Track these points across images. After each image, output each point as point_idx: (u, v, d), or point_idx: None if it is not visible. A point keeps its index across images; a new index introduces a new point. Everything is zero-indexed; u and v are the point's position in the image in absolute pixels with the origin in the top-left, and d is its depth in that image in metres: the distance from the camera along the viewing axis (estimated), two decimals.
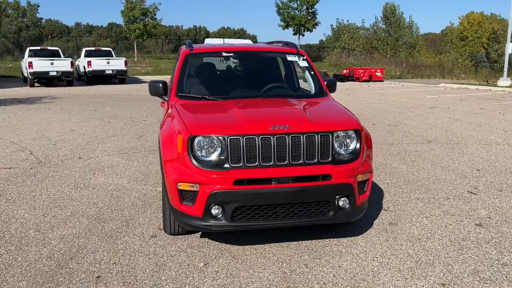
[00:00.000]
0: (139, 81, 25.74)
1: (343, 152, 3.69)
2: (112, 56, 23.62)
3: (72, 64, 21.36)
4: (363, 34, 46.32)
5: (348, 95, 18.14)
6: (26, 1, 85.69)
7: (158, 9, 31.66)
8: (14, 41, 76.48)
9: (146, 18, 31.56)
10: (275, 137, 3.44)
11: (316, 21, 32.96)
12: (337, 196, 3.59)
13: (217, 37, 51.71)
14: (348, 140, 3.72)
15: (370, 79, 27.40)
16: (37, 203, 4.98)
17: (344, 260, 3.64)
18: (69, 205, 4.93)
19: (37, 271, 3.44)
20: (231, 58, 5.09)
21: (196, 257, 3.68)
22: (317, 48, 45.28)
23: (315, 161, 3.53)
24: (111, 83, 23.45)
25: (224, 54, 4.93)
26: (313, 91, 4.84)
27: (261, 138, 3.42)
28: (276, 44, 6.14)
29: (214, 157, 3.46)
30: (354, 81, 27.58)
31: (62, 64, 20.97)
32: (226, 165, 3.41)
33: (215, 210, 3.43)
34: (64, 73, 21.05)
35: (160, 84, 4.55)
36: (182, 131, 3.53)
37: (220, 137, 3.43)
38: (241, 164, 3.41)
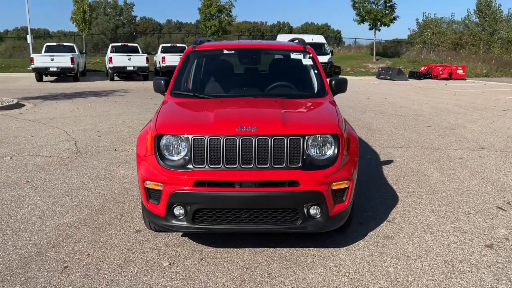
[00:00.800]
0: None
1: (317, 158, 3.45)
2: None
3: (147, 59, 22.48)
4: (454, 28, 43.28)
5: (417, 94, 17.12)
6: (122, 0, 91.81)
7: (234, 6, 32.25)
8: (111, 38, 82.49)
9: (222, 15, 32.27)
10: (240, 138, 3.31)
11: (394, 15, 31.35)
12: (305, 204, 3.37)
13: (300, 33, 51.22)
14: (324, 145, 3.48)
15: (450, 77, 25.56)
16: (54, 191, 5.30)
17: (312, 272, 3.42)
18: (80, 195, 5.18)
19: (17, 256, 3.65)
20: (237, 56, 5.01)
21: (166, 256, 3.68)
22: (397, 43, 43.06)
23: (283, 165, 3.34)
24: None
25: (225, 51, 4.85)
26: (314, 91, 4.60)
27: (226, 139, 3.31)
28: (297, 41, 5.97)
29: (179, 157, 3.42)
30: (431, 78, 25.92)
31: (139, 60, 22.18)
32: (190, 166, 3.36)
33: (177, 211, 3.40)
34: (140, 68, 22.25)
35: (162, 82, 4.59)
36: (152, 129, 3.55)
37: (185, 137, 3.38)
38: (204, 166, 3.34)
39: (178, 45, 25.90)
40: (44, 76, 22.37)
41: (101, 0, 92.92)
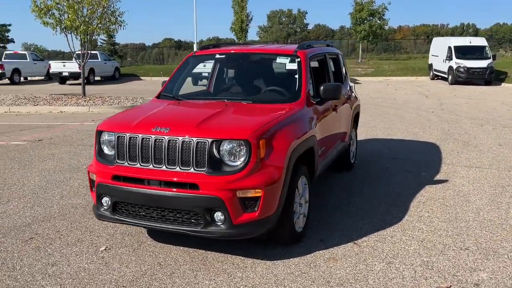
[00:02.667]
0: (354, 82, 25.86)
1: (228, 163, 3.37)
2: None
3: None
4: None
5: None
6: (297, 9, 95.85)
7: (387, 9, 30.87)
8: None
9: (374, 19, 31.20)
10: (154, 138, 3.46)
11: None
12: (207, 209, 3.33)
13: (472, 36, 46.15)
14: (236, 151, 3.38)
15: None
16: None
17: (212, 279, 3.37)
18: None
19: None
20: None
21: (104, 239, 4.03)
22: None
23: (189, 168, 3.37)
24: None
25: (217, 56, 4.95)
26: (287, 96, 4.40)
27: (142, 138, 3.50)
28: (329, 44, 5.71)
29: (110, 152, 3.73)
30: None
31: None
32: (114, 161, 3.64)
33: (105, 202, 3.71)
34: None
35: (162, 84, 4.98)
36: None
37: (113, 134, 3.67)
38: (124, 162, 3.58)
39: None
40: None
41: (277, 10, 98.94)
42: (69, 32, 15.33)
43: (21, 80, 26.94)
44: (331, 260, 3.66)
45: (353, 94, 6.18)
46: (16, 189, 5.60)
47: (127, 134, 3.56)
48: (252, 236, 3.55)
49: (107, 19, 15.43)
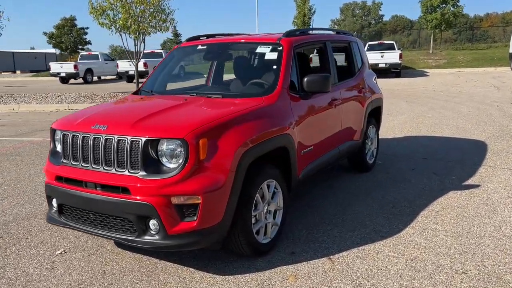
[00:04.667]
0: (421, 74, 24.23)
1: (165, 165, 3.01)
2: (394, 49, 23.12)
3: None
4: None
5: None
6: (371, 0, 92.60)
7: None
8: (357, 38, 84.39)
9: (447, 6, 28.86)
10: (93, 136, 3.20)
11: None
12: (139, 216, 3.00)
13: None
14: (174, 152, 3.00)
15: None
16: None
17: None
18: None
19: None
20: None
21: (67, 242, 3.85)
22: None
23: (124, 170, 3.06)
24: (386, 77, 23.06)
25: (200, 47, 4.56)
26: (260, 89, 3.92)
27: (82, 136, 3.25)
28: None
29: (59, 151, 3.53)
30: None
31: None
32: (60, 160, 3.43)
33: (54, 203, 3.52)
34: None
35: None
36: None
37: (59, 132, 3.46)
38: (68, 162, 3.36)
39: (386, 42, 24.64)
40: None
41: (351, 2, 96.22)
42: (123, 31, 15.78)
43: (93, 79, 28.56)
44: (291, 279, 3.17)
45: (368, 87, 5.50)
46: (22, 185, 5.66)
47: (70, 132, 3.33)
48: (194, 248, 3.16)
49: (157, 17, 15.66)
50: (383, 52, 22.02)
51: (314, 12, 31.53)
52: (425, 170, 5.78)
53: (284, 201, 3.70)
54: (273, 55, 4.04)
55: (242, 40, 4.50)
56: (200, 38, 4.85)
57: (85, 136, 3.23)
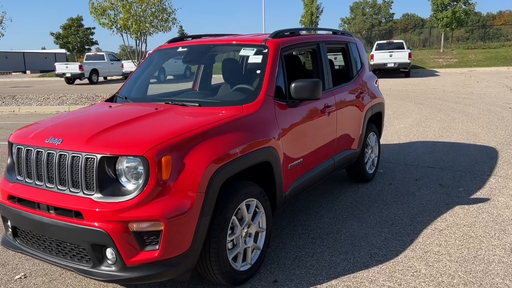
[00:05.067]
0: (431, 74, 23.62)
1: (124, 186, 2.64)
2: (403, 49, 22.55)
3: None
4: None
5: None
6: None
7: None
8: (367, 37, 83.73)
9: (458, 4, 28.14)
10: (46, 151, 2.84)
11: None
12: (93, 244, 2.63)
13: None
14: (134, 171, 2.63)
15: None
16: None
17: None
18: None
19: None
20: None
21: (31, 264, 3.50)
22: None
23: (78, 191, 2.69)
24: (395, 77, 22.52)
25: (180, 49, 4.18)
26: (241, 96, 3.53)
27: (36, 151, 2.90)
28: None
29: (14, 167, 3.17)
30: None
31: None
32: (15, 177, 3.08)
33: (9, 224, 3.16)
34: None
35: None
36: None
37: (15, 146, 3.11)
38: (22, 179, 3.00)
39: (395, 41, 24.07)
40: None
41: (361, 0, 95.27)
42: (124, 32, 15.49)
43: (99, 80, 28.39)
44: None
45: (367, 91, 5.08)
46: None
47: (24, 146, 2.98)
48: (157, 281, 2.79)
49: (159, 17, 15.34)
50: (392, 52, 21.47)
51: (322, 10, 31.02)
52: (430, 180, 5.35)
53: (267, 222, 3.32)
54: (257, 59, 3.64)
55: (225, 42, 4.12)
56: (185, 39, 4.47)
57: (39, 151, 2.88)
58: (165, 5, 15.47)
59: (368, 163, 5.30)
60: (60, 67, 27.13)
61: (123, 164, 2.63)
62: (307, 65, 5.13)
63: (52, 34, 49.81)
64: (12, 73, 44.63)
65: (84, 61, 28.84)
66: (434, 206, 4.51)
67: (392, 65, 21.32)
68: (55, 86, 25.89)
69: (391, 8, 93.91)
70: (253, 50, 3.72)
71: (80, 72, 26.74)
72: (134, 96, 3.99)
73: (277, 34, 3.86)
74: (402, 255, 3.49)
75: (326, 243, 3.74)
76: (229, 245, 2.99)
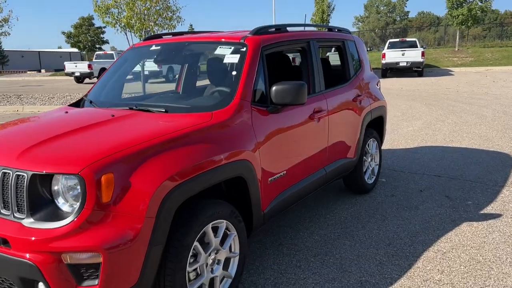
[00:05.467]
0: (446, 73, 22.90)
1: (60, 210, 2.24)
2: (416, 47, 21.88)
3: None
4: None
5: None
6: None
7: None
8: (381, 35, 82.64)
9: (474, 1, 27.25)
10: None
11: None
12: (21, 278, 2.23)
13: None
14: (69, 192, 2.23)
15: None
16: None
17: None
18: None
19: None
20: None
21: None
22: None
23: (9, 214, 2.30)
24: (408, 76, 21.87)
25: (153, 47, 3.77)
26: (213, 102, 3.12)
27: None
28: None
29: None
30: None
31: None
32: None
33: None
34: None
35: None
36: None
37: None
38: None
39: (408, 39, 23.39)
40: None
41: None
42: (128, 30, 15.20)
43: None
44: None
45: (366, 93, 4.61)
46: None
47: None
48: None
49: (163, 15, 15.01)
50: (405, 50, 20.81)
51: (334, 8, 30.37)
52: (437, 191, 4.86)
53: (241, 246, 2.90)
54: (234, 58, 3.21)
55: (201, 40, 3.70)
56: (164, 36, 4.07)
57: None
58: (169, 3, 15.11)
59: (367, 172, 4.83)
60: (69, 66, 27.08)
61: (59, 184, 2.23)
62: (297, 65, 4.69)
63: (63, 33, 50.01)
64: (27, 72, 44.92)
65: (94, 60, 28.73)
66: (438, 223, 4.03)
67: (405, 64, 20.68)
68: (64, 85, 25.78)
69: (406, 6, 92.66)
70: (230, 48, 3.30)
71: (89, 71, 26.63)
72: (100, 99, 3.59)
73: (259, 31, 3.43)
74: (397, 284, 3.04)
75: (312, 267, 3.30)
76: (191, 275, 2.58)
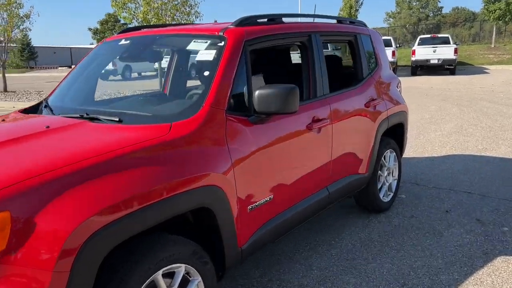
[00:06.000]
0: (480, 72, 21.62)
1: None
2: (449, 43, 20.69)
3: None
4: None
5: None
6: None
7: None
8: (413, 31, 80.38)
9: None
10: None
11: None
12: None
13: None
14: None
15: None
16: None
17: None
18: None
19: None
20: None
21: None
22: None
23: None
24: (439, 74, 20.73)
25: (122, 42, 3.18)
26: (180, 107, 2.51)
27: None
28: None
29: None
30: None
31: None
32: None
33: None
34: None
35: None
36: None
37: None
38: None
39: (440, 35, 22.19)
40: None
41: None
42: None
43: (131, 76, 28.14)
44: None
45: (383, 97, 3.91)
46: None
47: None
48: None
49: (180, 10, 14.54)
50: (436, 47, 19.68)
51: (362, 3, 29.26)
52: (465, 213, 4.12)
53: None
54: (208, 55, 2.59)
55: (174, 32, 3.09)
56: (142, 29, 3.48)
57: None
58: None
59: (383, 189, 4.14)
60: None
61: None
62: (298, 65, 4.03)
63: (90, 29, 50.48)
64: (58, 68, 45.55)
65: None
66: (466, 256, 3.31)
67: (436, 61, 19.57)
68: None
69: (439, 2, 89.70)
70: (206, 42, 2.68)
71: (113, 68, 26.47)
72: (57, 104, 3.04)
73: (243, 21, 2.79)
74: None
75: None
76: None
